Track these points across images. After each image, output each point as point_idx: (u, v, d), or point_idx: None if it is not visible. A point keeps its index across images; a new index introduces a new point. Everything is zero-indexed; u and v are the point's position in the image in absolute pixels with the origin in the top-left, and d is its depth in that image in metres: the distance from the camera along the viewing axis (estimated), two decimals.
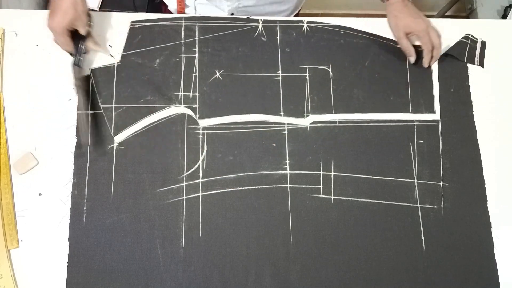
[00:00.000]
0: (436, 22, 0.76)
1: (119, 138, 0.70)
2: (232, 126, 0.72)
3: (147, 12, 1.09)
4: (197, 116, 0.72)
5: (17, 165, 0.67)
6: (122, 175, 0.68)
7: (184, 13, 0.86)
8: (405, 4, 0.75)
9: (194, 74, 0.74)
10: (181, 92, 0.73)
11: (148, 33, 0.75)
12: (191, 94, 0.73)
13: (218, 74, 0.74)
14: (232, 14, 0.83)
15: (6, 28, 0.74)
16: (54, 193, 0.67)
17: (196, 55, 0.75)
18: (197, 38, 0.76)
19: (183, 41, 0.75)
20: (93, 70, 0.72)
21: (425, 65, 0.76)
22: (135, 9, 1.10)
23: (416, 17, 0.74)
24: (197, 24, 0.77)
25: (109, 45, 0.74)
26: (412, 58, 0.76)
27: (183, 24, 0.77)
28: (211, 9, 0.85)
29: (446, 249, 0.69)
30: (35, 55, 0.73)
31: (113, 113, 0.71)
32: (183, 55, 0.75)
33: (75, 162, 0.68)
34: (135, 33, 0.75)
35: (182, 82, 0.73)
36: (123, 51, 0.74)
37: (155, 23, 0.76)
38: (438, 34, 0.74)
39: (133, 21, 0.75)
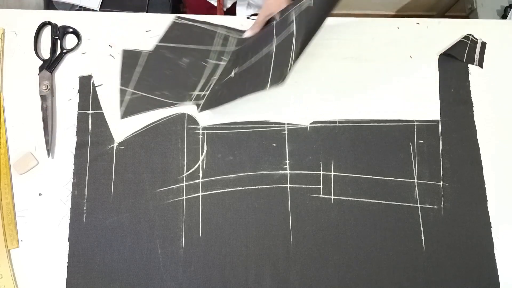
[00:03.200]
0: (436, 22, 0.76)
1: (119, 138, 0.70)
2: (232, 126, 0.72)
3: (147, 12, 1.09)
4: (199, 109, 0.72)
5: (17, 165, 0.67)
6: (122, 175, 0.68)
7: (222, 7, 0.87)
8: None
9: (213, 78, 0.74)
10: (196, 92, 0.73)
11: (186, 31, 0.76)
12: (202, 93, 0.73)
13: (232, 73, 0.74)
14: (249, 16, 0.84)
15: (6, 28, 0.74)
16: (54, 193, 0.67)
17: (222, 63, 0.75)
18: (227, 49, 0.76)
19: (213, 48, 0.76)
20: (124, 51, 0.73)
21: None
22: (135, 9, 1.10)
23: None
24: (231, 36, 0.77)
25: (109, 45, 0.74)
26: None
27: (220, 32, 0.77)
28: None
29: (446, 249, 0.69)
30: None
31: (127, 96, 0.71)
32: (209, 60, 0.75)
33: (75, 162, 0.68)
34: (176, 28, 0.75)
35: (200, 84, 0.74)
36: (159, 42, 0.74)
37: (195, 24, 0.76)
38: None
39: (178, 16, 0.76)
